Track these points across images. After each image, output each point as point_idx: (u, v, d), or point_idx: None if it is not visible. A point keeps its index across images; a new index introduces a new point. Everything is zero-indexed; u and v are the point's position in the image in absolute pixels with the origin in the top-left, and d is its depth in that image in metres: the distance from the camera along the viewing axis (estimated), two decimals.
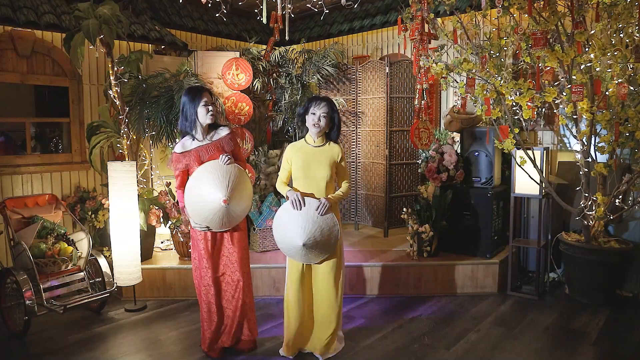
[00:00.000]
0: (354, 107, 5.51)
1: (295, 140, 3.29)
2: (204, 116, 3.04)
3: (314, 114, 3.04)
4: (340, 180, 3.16)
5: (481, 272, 4.37)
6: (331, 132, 3.13)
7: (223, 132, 3.15)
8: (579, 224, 4.27)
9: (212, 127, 3.16)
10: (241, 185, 3.04)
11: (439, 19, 5.12)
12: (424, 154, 5.06)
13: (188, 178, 3.09)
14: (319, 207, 2.94)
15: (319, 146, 3.10)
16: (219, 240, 3.18)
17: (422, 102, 4.42)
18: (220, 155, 3.04)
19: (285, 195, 3.06)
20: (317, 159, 3.06)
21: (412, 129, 4.47)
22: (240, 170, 3.08)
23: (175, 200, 4.56)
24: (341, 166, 3.13)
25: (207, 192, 2.96)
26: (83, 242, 3.96)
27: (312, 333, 3.22)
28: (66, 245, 3.83)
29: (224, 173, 2.99)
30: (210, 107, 3.05)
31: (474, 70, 3.90)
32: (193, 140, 3.10)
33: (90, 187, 5.08)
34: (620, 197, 4.03)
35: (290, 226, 2.95)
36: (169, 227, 4.49)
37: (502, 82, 3.92)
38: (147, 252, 4.44)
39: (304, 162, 3.06)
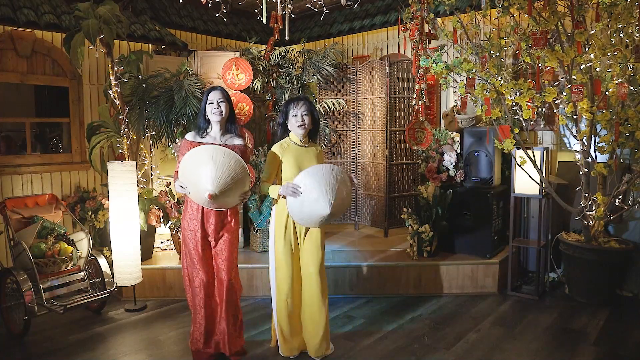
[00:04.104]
0: (354, 107, 5.51)
1: None
2: (209, 113, 3.05)
3: (295, 115, 3.07)
4: None
5: (481, 272, 4.37)
6: (313, 130, 3.16)
7: (236, 141, 3.10)
8: (579, 224, 4.27)
9: (229, 131, 3.13)
10: (235, 183, 2.89)
11: (439, 19, 5.12)
12: (424, 154, 5.06)
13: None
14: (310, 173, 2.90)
15: (305, 146, 3.13)
16: (208, 239, 3.09)
17: (420, 102, 4.42)
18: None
19: (273, 193, 3.03)
20: (309, 158, 3.09)
21: (407, 129, 4.49)
22: (242, 166, 2.91)
23: (176, 200, 4.56)
24: None
25: (199, 177, 2.83)
26: (83, 242, 3.96)
27: (305, 334, 3.22)
28: (66, 245, 3.83)
29: (222, 162, 2.83)
30: (215, 106, 3.02)
31: (474, 70, 3.90)
32: (205, 136, 3.09)
33: (90, 187, 5.08)
34: (620, 197, 4.03)
35: (309, 208, 2.87)
36: (169, 227, 4.49)
37: (502, 82, 3.92)
38: (147, 252, 4.44)
39: (296, 161, 3.07)
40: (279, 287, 3.15)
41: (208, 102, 3.05)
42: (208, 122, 3.09)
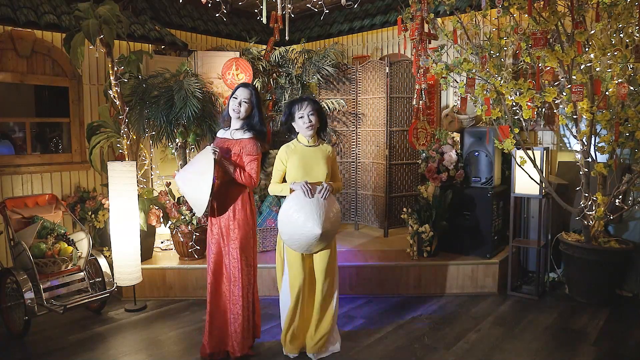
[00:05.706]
0: (354, 107, 5.51)
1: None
2: (230, 108, 3.06)
3: (302, 117, 3.04)
4: (333, 179, 3.17)
5: (481, 272, 4.37)
6: (321, 128, 3.14)
7: (245, 135, 3.07)
8: (579, 224, 4.27)
9: (244, 125, 3.09)
10: (197, 167, 2.96)
11: (439, 19, 5.12)
12: (424, 154, 5.07)
13: None
14: (321, 191, 2.96)
15: (313, 146, 3.11)
16: (220, 229, 3.10)
17: (421, 102, 4.42)
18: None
19: (284, 190, 3.08)
20: (316, 159, 3.07)
21: (410, 129, 4.49)
22: (208, 160, 2.93)
23: (175, 200, 4.56)
24: (335, 165, 3.18)
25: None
26: (83, 242, 3.96)
27: (309, 332, 3.21)
28: (66, 245, 3.83)
29: (196, 159, 3.04)
30: (237, 104, 3.01)
31: (474, 70, 3.90)
32: (226, 130, 3.16)
33: (90, 187, 5.08)
34: (620, 197, 4.03)
35: (304, 216, 2.89)
36: (169, 227, 4.48)
37: (502, 82, 3.92)
38: (147, 252, 4.44)
39: (302, 162, 3.05)
40: (292, 285, 3.11)
41: (233, 96, 3.05)
42: (227, 114, 3.12)
